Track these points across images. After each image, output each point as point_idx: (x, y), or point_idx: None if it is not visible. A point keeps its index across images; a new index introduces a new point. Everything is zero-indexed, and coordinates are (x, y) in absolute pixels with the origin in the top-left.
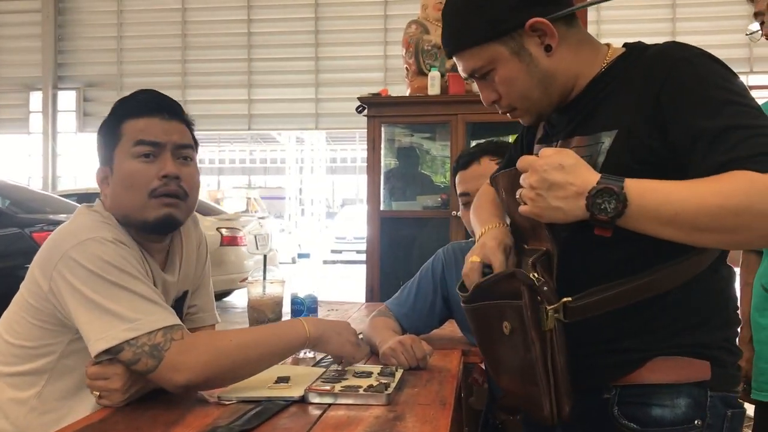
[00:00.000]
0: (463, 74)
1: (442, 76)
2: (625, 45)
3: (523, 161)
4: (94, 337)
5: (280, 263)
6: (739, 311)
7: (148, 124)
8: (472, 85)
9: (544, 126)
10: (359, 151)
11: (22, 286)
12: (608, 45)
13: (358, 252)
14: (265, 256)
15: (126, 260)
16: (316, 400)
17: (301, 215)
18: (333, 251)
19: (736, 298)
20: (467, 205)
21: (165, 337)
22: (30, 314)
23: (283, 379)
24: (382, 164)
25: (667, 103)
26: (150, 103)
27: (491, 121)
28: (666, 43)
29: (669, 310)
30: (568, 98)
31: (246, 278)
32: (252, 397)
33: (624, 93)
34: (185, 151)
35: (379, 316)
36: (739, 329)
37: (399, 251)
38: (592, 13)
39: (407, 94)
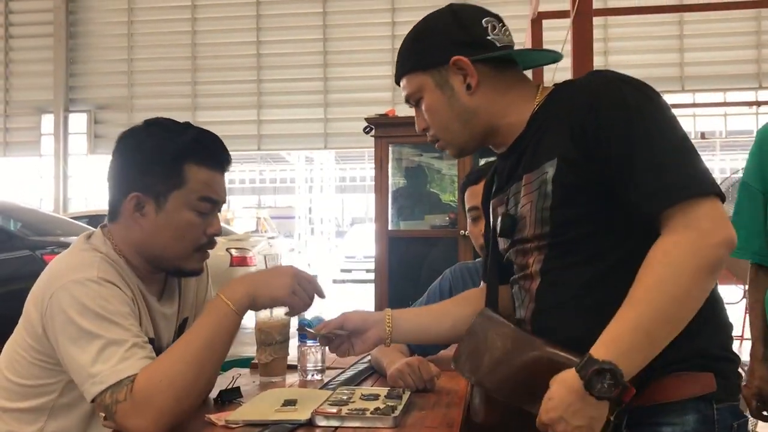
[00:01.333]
0: (406, 97)
1: None
2: (555, 84)
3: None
4: (80, 385)
5: None
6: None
7: (213, 178)
8: None
9: (496, 179)
10: (368, 170)
11: (20, 321)
12: (539, 85)
13: (368, 271)
14: None
15: (107, 301)
16: (323, 423)
17: (310, 234)
18: (342, 270)
19: (723, 300)
20: (476, 220)
21: (111, 399)
22: (28, 352)
23: (290, 402)
24: (390, 183)
25: (591, 134)
26: (217, 156)
27: None
28: (589, 74)
29: None
30: (503, 141)
31: None
32: (258, 420)
33: (556, 126)
34: (221, 207)
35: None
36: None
37: (408, 270)
38: (598, 30)
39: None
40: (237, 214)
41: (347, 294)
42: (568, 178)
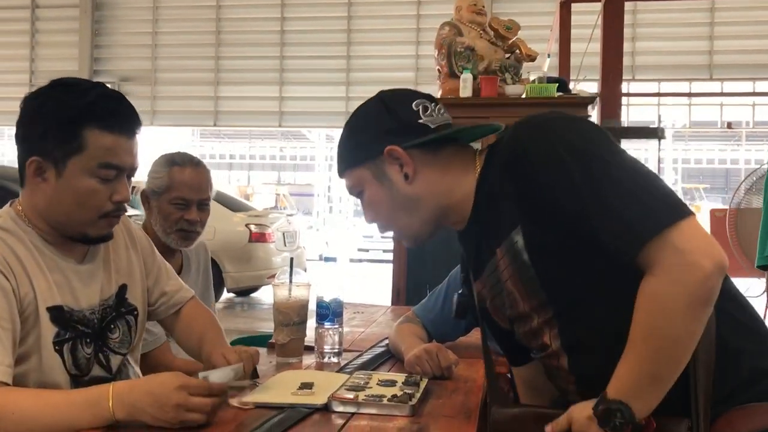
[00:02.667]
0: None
1: (475, 78)
2: (489, 145)
3: None
4: None
5: (307, 260)
6: None
7: (116, 143)
8: (505, 88)
9: (468, 261)
10: None
11: None
12: (476, 151)
13: (385, 251)
14: (291, 259)
15: None
16: (340, 408)
17: (329, 212)
18: (360, 250)
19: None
20: None
21: None
22: None
23: (306, 385)
24: None
25: (538, 199)
26: (121, 119)
27: None
28: (514, 127)
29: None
30: (458, 219)
31: (273, 275)
32: (275, 403)
33: (504, 192)
34: (134, 172)
35: (405, 323)
36: None
37: (426, 254)
38: (627, 16)
39: (438, 96)
40: (256, 189)
41: (365, 274)
42: (540, 241)
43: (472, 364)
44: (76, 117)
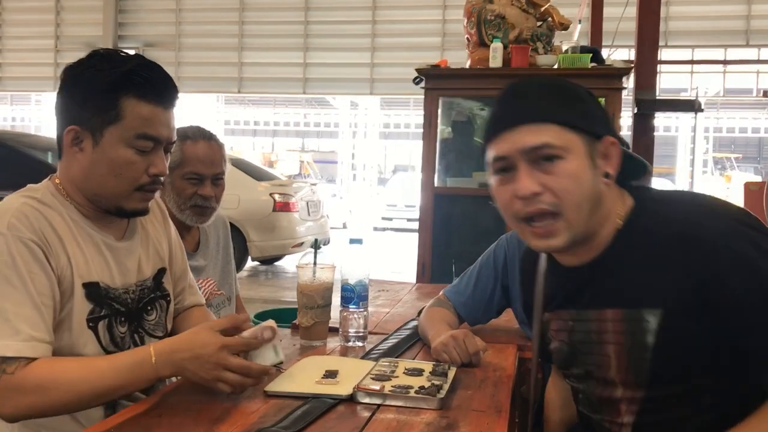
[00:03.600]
0: (519, 149)
1: (505, 47)
2: (634, 195)
3: None
4: None
5: (331, 228)
6: None
7: (153, 114)
8: (536, 58)
9: (551, 291)
10: (413, 116)
11: None
12: (618, 196)
13: (409, 220)
14: (316, 240)
15: (12, 259)
16: (365, 400)
17: (352, 180)
18: (383, 218)
19: None
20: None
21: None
22: None
23: (331, 374)
24: (438, 137)
25: (723, 305)
26: (159, 90)
27: None
28: (692, 220)
29: None
30: (588, 253)
31: (298, 244)
32: (299, 393)
33: (654, 267)
34: (171, 146)
35: (435, 306)
36: None
37: (452, 229)
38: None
39: (467, 66)
40: (280, 156)
41: (388, 242)
42: (676, 334)
43: (502, 350)
44: (114, 85)
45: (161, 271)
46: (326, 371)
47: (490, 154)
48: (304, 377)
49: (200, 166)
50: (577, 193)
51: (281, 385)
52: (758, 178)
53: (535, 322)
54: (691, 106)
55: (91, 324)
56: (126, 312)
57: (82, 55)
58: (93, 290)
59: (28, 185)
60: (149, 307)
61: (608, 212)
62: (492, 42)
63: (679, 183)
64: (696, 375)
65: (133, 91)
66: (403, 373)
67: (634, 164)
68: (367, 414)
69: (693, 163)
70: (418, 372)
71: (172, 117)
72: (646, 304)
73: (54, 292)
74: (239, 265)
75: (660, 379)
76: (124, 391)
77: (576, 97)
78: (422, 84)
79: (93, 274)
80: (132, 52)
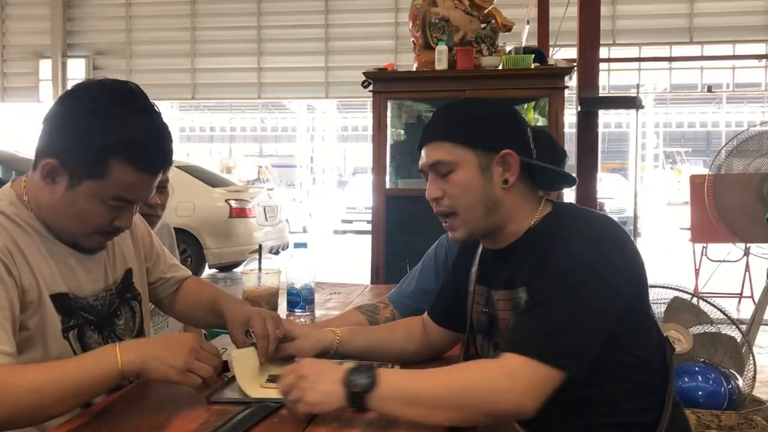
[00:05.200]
0: (426, 164)
1: (450, 50)
2: (553, 206)
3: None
4: None
5: (291, 232)
6: None
7: (138, 181)
8: (481, 60)
9: (480, 268)
10: (370, 119)
11: None
12: (542, 200)
13: (369, 222)
14: (260, 246)
15: None
16: None
17: (312, 184)
18: (343, 221)
19: None
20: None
21: None
22: None
23: (274, 378)
24: (389, 139)
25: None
26: (152, 159)
27: (501, 97)
28: (566, 229)
29: None
30: (502, 242)
31: (255, 250)
32: (241, 399)
33: (532, 258)
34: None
35: (354, 309)
36: None
37: (406, 230)
38: (606, 8)
39: (414, 69)
40: (238, 162)
41: (348, 245)
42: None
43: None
44: (108, 147)
45: (128, 272)
46: (270, 375)
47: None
48: (248, 381)
49: None
50: (468, 197)
51: (225, 391)
52: (706, 171)
53: (469, 295)
54: (632, 102)
55: (64, 335)
56: (96, 320)
57: (30, 64)
58: (62, 301)
59: None
60: (119, 312)
61: (512, 212)
62: (437, 44)
63: (631, 177)
64: None
65: (126, 158)
66: None
67: (564, 181)
68: (308, 416)
69: (638, 158)
70: None
71: (158, 179)
72: (521, 285)
73: (12, 303)
74: (196, 273)
75: None
76: (89, 391)
77: (476, 117)
78: (370, 87)
79: (61, 284)
80: (83, 61)
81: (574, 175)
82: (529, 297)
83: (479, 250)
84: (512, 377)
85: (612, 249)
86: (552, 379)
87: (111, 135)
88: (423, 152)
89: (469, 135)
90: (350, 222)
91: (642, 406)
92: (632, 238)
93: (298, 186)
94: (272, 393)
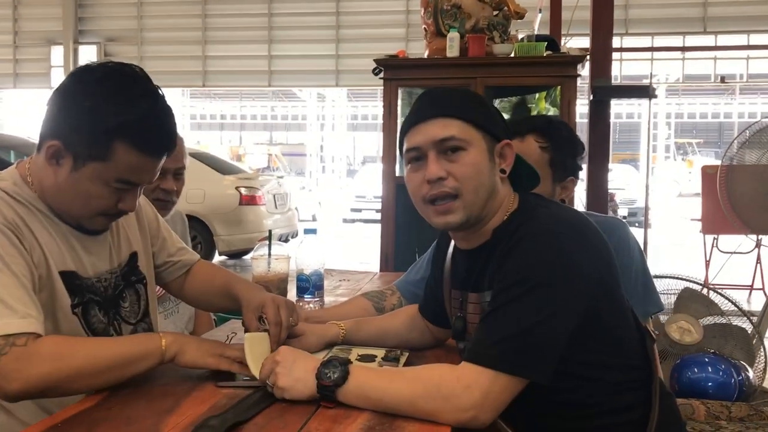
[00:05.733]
0: (429, 140)
1: (462, 37)
2: (520, 200)
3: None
4: None
5: (300, 220)
6: None
7: (142, 164)
8: (493, 47)
9: (452, 270)
10: (381, 108)
11: None
12: (515, 197)
13: (378, 211)
14: (270, 232)
15: None
16: None
17: (321, 172)
18: (353, 210)
19: None
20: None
21: (6, 341)
22: None
23: None
24: (399, 128)
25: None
26: (156, 142)
27: (512, 85)
28: (533, 224)
29: None
30: (476, 241)
31: (265, 237)
32: (250, 382)
33: (497, 257)
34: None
35: (360, 295)
36: None
37: (415, 219)
38: None
39: (425, 56)
40: (248, 150)
41: (357, 233)
42: None
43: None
44: (112, 129)
45: (134, 255)
46: None
47: (406, 145)
48: (257, 365)
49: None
50: (476, 179)
51: (235, 374)
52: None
53: (446, 299)
54: (645, 92)
55: (74, 311)
56: (102, 301)
57: (42, 50)
58: (70, 278)
59: None
60: (124, 294)
61: (500, 204)
62: (449, 32)
63: (642, 168)
64: None
65: (130, 140)
66: (356, 359)
67: (533, 180)
68: (316, 401)
69: (650, 149)
70: (371, 358)
71: (162, 162)
72: (488, 288)
73: (33, 275)
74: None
75: None
76: (135, 363)
77: (480, 103)
78: (381, 75)
79: (68, 262)
80: (94, 47)
81: (585, 165)
82: (490, 301)
83: (449, 251)
84: (469, 390)
85: (571, 245)
86: (510, 387)
87: (115, 117)
88: (423, 128)
89: (480, 118)
90: (359, 211)
91: (625, 404)
92: (643, 228)
93: (307, 174)
94: None
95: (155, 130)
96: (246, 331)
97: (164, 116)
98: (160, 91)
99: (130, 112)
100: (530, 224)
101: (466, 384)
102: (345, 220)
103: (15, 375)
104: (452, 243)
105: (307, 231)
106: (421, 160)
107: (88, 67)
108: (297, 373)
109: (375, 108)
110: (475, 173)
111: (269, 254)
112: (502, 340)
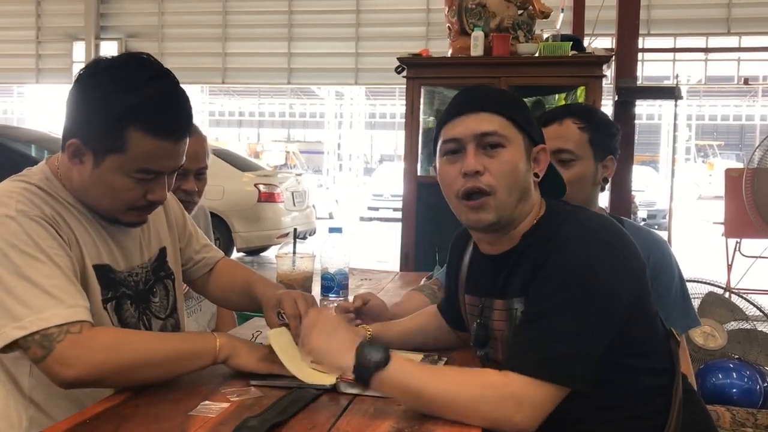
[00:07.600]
0: (470, 133)
1: (486, 36)
2: (547, 205)
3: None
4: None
5: (318, 218)
6: None
7: (160, 149)
8: (517, 47)
9: (469, 275)
10: (399, 106)
11: None
12: (542, 203)
13: (395, 210)
14: (295, 230)
15: (31, 239)
16: (348, 390)
17: (338, 170)
18: (370, 208)
19: None
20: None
21: (60, 329)
22: None
23: None
24: (421, 126)
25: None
26: (169, 122)
27: (536, 85)
28: (571, 229)
29: None
30: (502, 246)
31: (283, 234)
32: (284, 384)
33: (529, 265)
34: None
35: (414, 290)
36: None
37: (436, 218)
38: None
39: (449, 55)
40: (266, 147)
41: (374, 232)
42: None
43: None
44: (122, 116)
45: (163, 251)
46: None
47: (444, 136)
48: (289, 357)
49: (185, 161)
50: (511, 178)
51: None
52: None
53: (460, 304)
54: (671, 93)
55: (104, 306)
56: (134, 295)
57: (64, 46)
58: (103, 272)
59: (25, 170)
60: (154, 289)
61: (530, 209)
62: (473, 30)
63: (663, 170)
64: None
65: (142, 125)
66: None
67: (560, 188)
68: (344, 402)
69: (674, 151)
70: None
71: (182, 146)
72: (518, 295)
73: (74, 266)
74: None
75: None
76: (187, 361)
77: (522, 104)
78: (404, 73)
79: (103, 256)
80: (115, 44)
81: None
82: (526, 308)
83: (467, 257)
84: (518, 400)
85: (609, 251)
86: (556, 396)
87: (124, 103)
88: (464, 120)
89: (521, 118)
90: (376, 209)
91: (650, 409)
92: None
93: (324, 172)
94: (316, 377)
95: (167, 111)
96: (271, 328)
97: (176, 96)
98: (170, 74)
99: (140, 95)
100: (566, 231)
101: (515, 394)
102: (362, 219)
103: (72, 361)
104: (470, 249)
105: (332, 230)
106: (458, 153)
107: (97, 60)
108: (335, 343)
109: (393, 107)
110: (511, 172)
111: (294, 252)
112: (549, 349)
